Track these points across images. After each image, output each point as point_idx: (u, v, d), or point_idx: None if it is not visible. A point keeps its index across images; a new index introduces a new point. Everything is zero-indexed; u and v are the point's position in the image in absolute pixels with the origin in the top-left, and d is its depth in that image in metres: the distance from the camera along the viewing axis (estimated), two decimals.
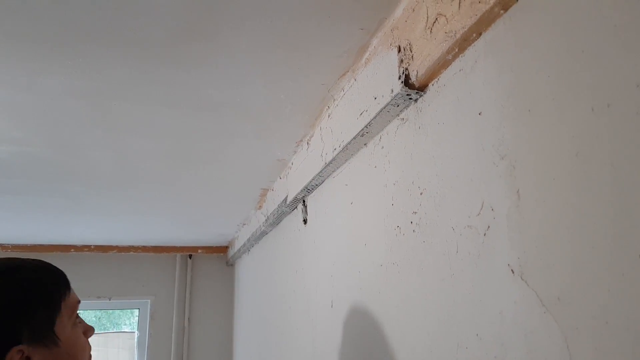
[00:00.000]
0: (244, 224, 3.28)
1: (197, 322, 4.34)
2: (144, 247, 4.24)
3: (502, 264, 0.68)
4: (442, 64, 0.85)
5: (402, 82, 0.94)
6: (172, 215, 3.02)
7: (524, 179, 0.65)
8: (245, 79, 1.25)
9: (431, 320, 0.88)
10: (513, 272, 0.66)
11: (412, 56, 0.92)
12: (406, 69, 0.94)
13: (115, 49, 1.11)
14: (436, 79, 0.90)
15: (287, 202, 1.96)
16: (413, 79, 0.92)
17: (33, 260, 0.99)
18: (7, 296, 0.88)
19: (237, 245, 3.61)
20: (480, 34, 0.76)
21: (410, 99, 0.97)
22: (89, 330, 1.02)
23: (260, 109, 1.43)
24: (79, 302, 1.01)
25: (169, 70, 1.20)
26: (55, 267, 1.01)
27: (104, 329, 6.75)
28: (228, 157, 1.89)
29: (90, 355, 1.03)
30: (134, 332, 4.54)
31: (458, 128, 0.82)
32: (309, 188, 1.70)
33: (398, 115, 1.05)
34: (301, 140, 1.70)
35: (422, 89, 0.94)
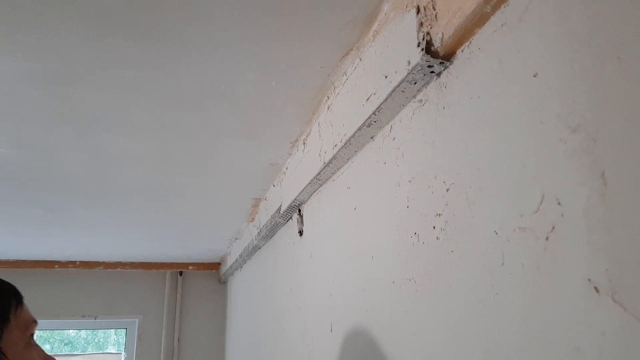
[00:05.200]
0: (236, 239, 3.07)
1: (187, 343, 4.09)
2: (132, 263, 4.02)
3: (578, 279, 0.48)
4: (476, 21, 0.66)
5: (422, 49, 0.74)
6: (159, 229, 2.81)
7: (612, 156, 0.46)
8: (229, 60, 1.06)
9: (463, 354, 0.67)
10: (597, 291, 0.46)
11: (435, 15, 0.73)
12: (427, 33, 0.74)
13: (68, 22, 0.92)
14: (467, 43, 0.71)
15: (281, 212, 1.76)
16: (436, 44, 0.73)
17: None
18: None
19: (230, 261, 3.40)
20: None
21: (432, 72, 0.77)
22: None
23: (248, 99, 1.23)
24: (34, 321, 0.91)
25: (136, 47, 1.01)
26: (4, 281, 0.91)
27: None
28: (215, 161, 1.69)
29: None
30: (120, 354, 4.30)
31: (501, 100, 0.62)
32: (305, 194, 1.50)
33: (415, 96, 0.86)
34: (296, 140, 1.51)
35: (447, 57, 0.74)
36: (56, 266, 3.87)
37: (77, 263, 3.91)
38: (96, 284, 4.03)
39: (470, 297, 0.66)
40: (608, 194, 0.46)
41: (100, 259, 3.91)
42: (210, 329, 4.12)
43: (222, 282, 4.12)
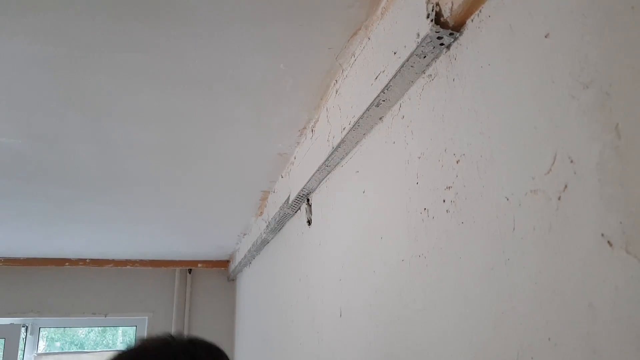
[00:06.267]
0: (244, 234, 3.07)
1: None
2: (142, 261, 4.04)
3: (591, 235, 0.48)
4: None
5: (431, 20, 0.74)
6: (167, 224, 2.81)
7: (625, 108, 0.45)
8: (237, 41, 1.05)
9: (475, 324, 0.67)
10: (611, 245, 0.45)
11: None
12: (436, 4, 0.74)
13: (76, 2, 0.93)
14: (477, 12, 0.70)
15: (290, 202, 1.76)
16: (446, 14, 0.72)
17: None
18: None
19: (238, 258, 3.40)
20: None
21: (442, 44, 0.77)
22: None
23: (256, 84, 1.23)
24: None
25: (145, 29, 1.01)
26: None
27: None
28: (223, 152, 1.69)
29: None
30: None
31: (512, 65, 0.62)
32: (313, 182, 1.50)
33: (424, 71, 0.85)
34: (305, 128, 1.50)
35: (457, 28, 0.74)
36: (67, 264, 3.88)
37: (88, 261, 3.93)
38: (106, 282, 4.04)
39: (481, 265, 0.65)
40: (622, 146, 0.45)
41: (110, 257, 3.92)
42: (219, 326, 4.12)
43: (231, 279, 4.12)
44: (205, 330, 4.11)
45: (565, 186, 0.51)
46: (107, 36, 1.03)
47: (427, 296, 0.80)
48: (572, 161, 0.51)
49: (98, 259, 3.95)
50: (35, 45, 1.06)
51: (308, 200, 1.67)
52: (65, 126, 1.47)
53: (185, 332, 4.04)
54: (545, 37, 0.56)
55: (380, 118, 1.04)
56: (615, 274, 0.45)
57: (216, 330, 4.11)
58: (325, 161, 1.32)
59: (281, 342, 2.04)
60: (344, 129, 1.15)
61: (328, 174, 1.42)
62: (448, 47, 0.77)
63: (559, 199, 0.52)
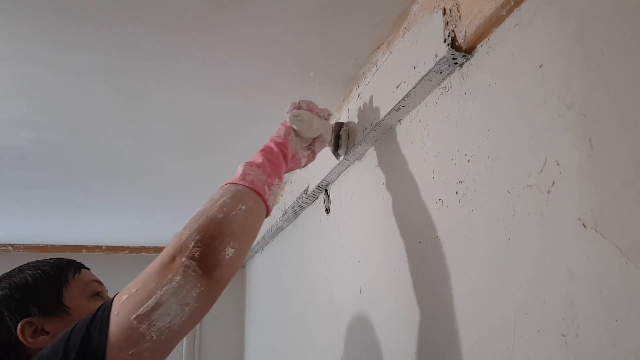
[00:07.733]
0: None
1: (208, 325, 4.28)
2: (156, 247, 4.20)
3: (571, 220, 0.64)
4: (494, 22, 0.82)
5: (447, 44, 0.90)
6: (184, 211, 2.96)
7: (596, 126, 0.61)
8: (275, 55, 1.22)
9: (481, 290, 0.84)
10: (585, 226, 0.62)
11: (459, 17, 0.88)
12: (452, 31, 0.90)
13: (144, 20, 1.08)
14: (486, 40, 0.86)
15: (308, 193, 1.92)
16: (460, 40, 0.88)
17: (51, 258, 1.15)
18: (16, 284, 1.05)
19: None
20: None
21: (456, 63, 0.93)
22: None
23: (287, 89, 1.39)
24: (94, 280, 1.16)
25: (197, 43, 1.17)
26: (68, 259, 1.17)
27: None
28: (248, 144, 1.84)
29: None
30: None
31: (513, 86, 0.78)
32: (333, 174, 1.66)
33: (439, 84, 1.02)
34: None
35: (469, 51, 0.90)
36: (84, 250, 4.05)
37: (104, 247, 4.10)
38: (121, 268, 4.19)
39: (487, 244, 0.82)
40: (593, 154, 0.62)
41: (126, 244, 4.10)
42: (230, 310, 4.30)
43: (241, 266, 4.30)
44: (216, 312, 4.26)
45: (553, 183, 0.68)
46: (165, 50, 1.19)
47: (441, 271, 0.97)
48: (558, 164, 0.67)
49: (114, 246, 4.13)
50: (99, 57, 1.22)
51: (326, 190, 1.84)
52: (110, 125, 1.63)
53: None
54: (540, 66, 0.72)
55: (399, 120, 1.21)
56: (587, 247, 0.61)
57: (227, 313, 4.29)
58: (346, 156, 1.48)
59: (299, 320, 2.22)
60: (365, 129, 1.31)
61: (348, 167, 1.58)
62: (461, 65, 0.94)
63: (548, 192, 0.69)
